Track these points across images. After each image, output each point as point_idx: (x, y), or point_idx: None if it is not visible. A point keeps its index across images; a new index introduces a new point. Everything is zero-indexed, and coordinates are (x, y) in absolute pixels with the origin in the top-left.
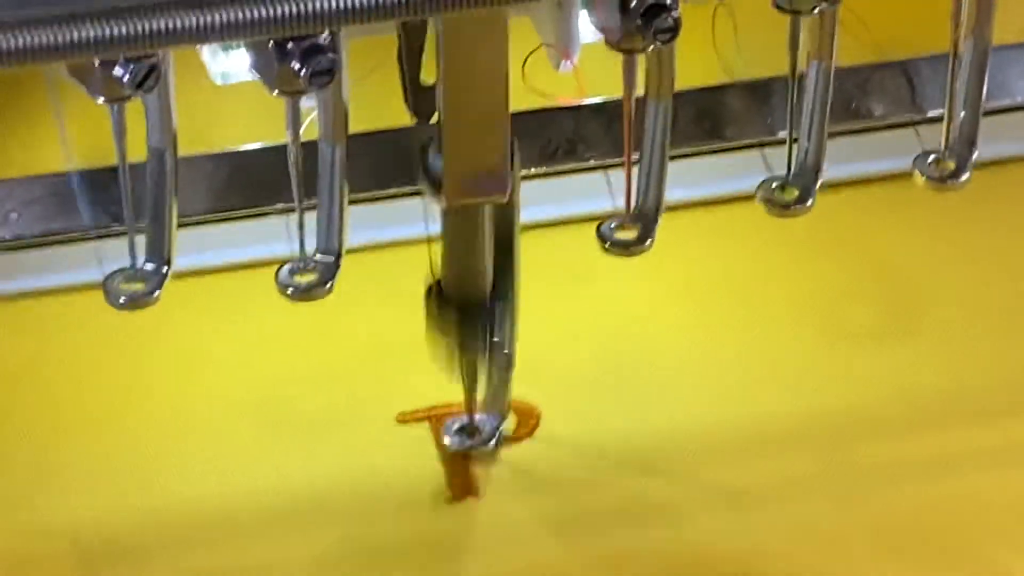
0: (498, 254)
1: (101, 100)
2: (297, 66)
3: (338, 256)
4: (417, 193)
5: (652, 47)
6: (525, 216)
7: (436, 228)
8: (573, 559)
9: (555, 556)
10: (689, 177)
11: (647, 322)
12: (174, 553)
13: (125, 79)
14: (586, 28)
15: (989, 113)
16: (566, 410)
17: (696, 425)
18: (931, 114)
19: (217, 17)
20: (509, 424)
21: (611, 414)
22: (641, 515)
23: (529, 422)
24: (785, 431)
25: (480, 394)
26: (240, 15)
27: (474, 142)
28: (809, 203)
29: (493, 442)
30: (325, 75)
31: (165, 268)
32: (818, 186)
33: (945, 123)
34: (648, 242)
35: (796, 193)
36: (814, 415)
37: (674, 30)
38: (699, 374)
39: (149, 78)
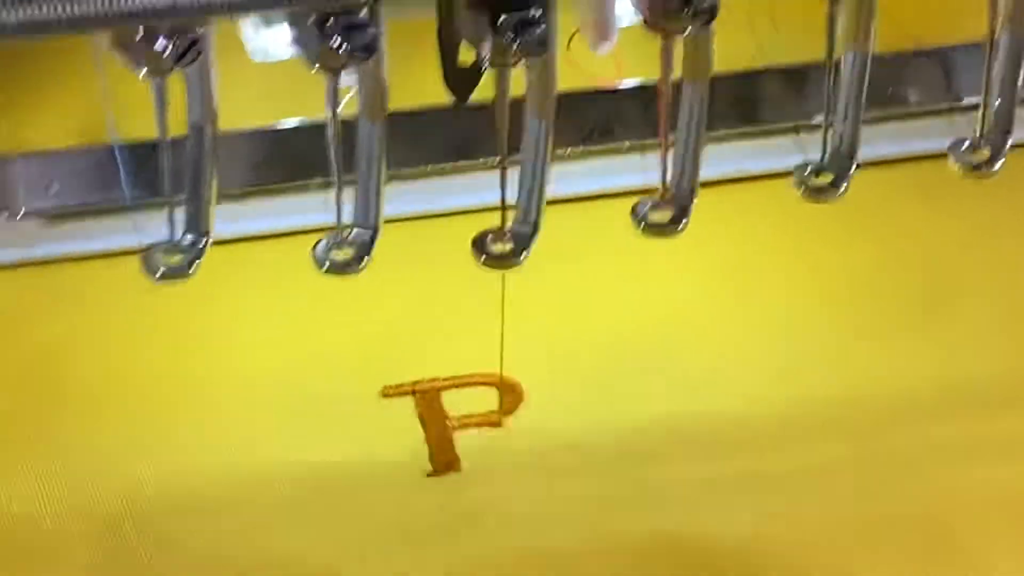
0: None
1: (143, 74)
2: (338, 42)
3: (374, 232)
4: (453, 171)
5: (690, 29)
6: (559, 191)
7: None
8: (597, 541)
9: (576, 539)
10: (724, 160)
11: (677, 304)
12: (197, 522)
13: (166, 53)
14: (624, 10)
15: None
16: (594, 389)
17: (727, 408)
18: (967, 101)
19: None
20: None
21: (640, 395)
22: (670, 498)
23: (512, 398)
24: (817, 416)
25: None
26: None
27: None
28: (843, 188)
29: (523, 255)
30: (365, 51)
31: (203, 242)
32: (853, 171)
33: (980, 111)
34: (683, 224)
35: (830, 178)
36: (846, 400)
37: (712, 12)
38: (729, 357)
39: (189, 52)
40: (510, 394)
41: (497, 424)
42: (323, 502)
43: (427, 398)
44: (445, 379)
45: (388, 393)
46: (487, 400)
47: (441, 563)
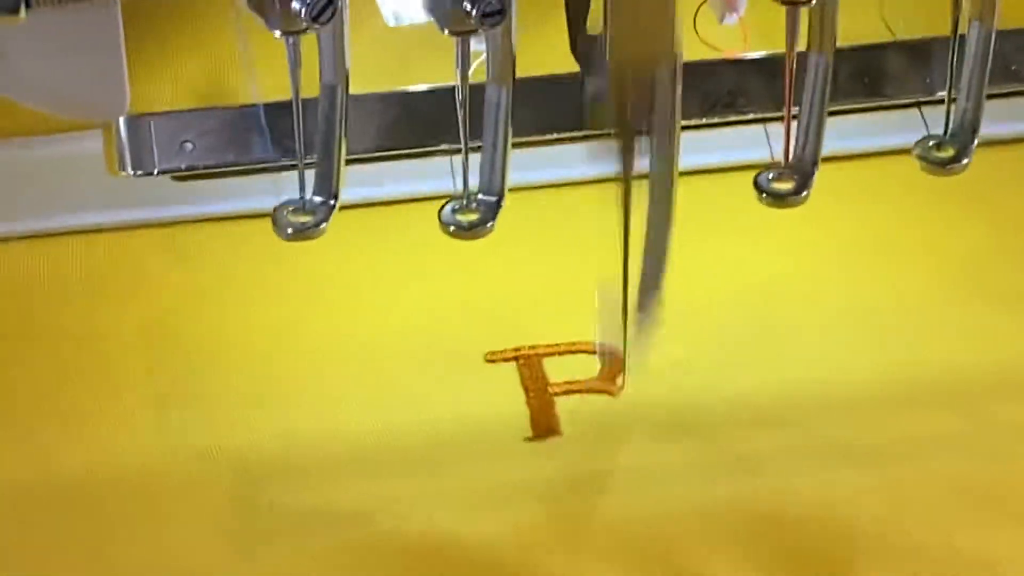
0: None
1: (278, 33)
2: (468, 6)
3: (500, 196)
4: (578, 139)
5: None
6: (682, 164)
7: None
8: (696, 509)
9: (674, 506)
10: (847, 133)
11: (791, 273)
12: (307, 477)
13: (302, 12)
14: None
15: None
16: (698, 357)
17: (834, 379)
18: None
19: None
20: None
21: (752, 364)
22: (779, 465)
23: (612, 366)
24: (928, 388)
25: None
26: None
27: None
28: (965, 162)
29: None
30: (496, 16)
31: (332, 202)
32: (975, 146)
33: None
34: (804, 194)
35: (952, 152)
36: (958, 374)
37: None
38: (845, 328)
39: (325, 12)
40: (610, 362)
41: (611, 392)
42: (424, 463)
43: (529, 364)
44: (547, 346)
45: (492, 358)
46: (589, 367)
47: (538, 526)
